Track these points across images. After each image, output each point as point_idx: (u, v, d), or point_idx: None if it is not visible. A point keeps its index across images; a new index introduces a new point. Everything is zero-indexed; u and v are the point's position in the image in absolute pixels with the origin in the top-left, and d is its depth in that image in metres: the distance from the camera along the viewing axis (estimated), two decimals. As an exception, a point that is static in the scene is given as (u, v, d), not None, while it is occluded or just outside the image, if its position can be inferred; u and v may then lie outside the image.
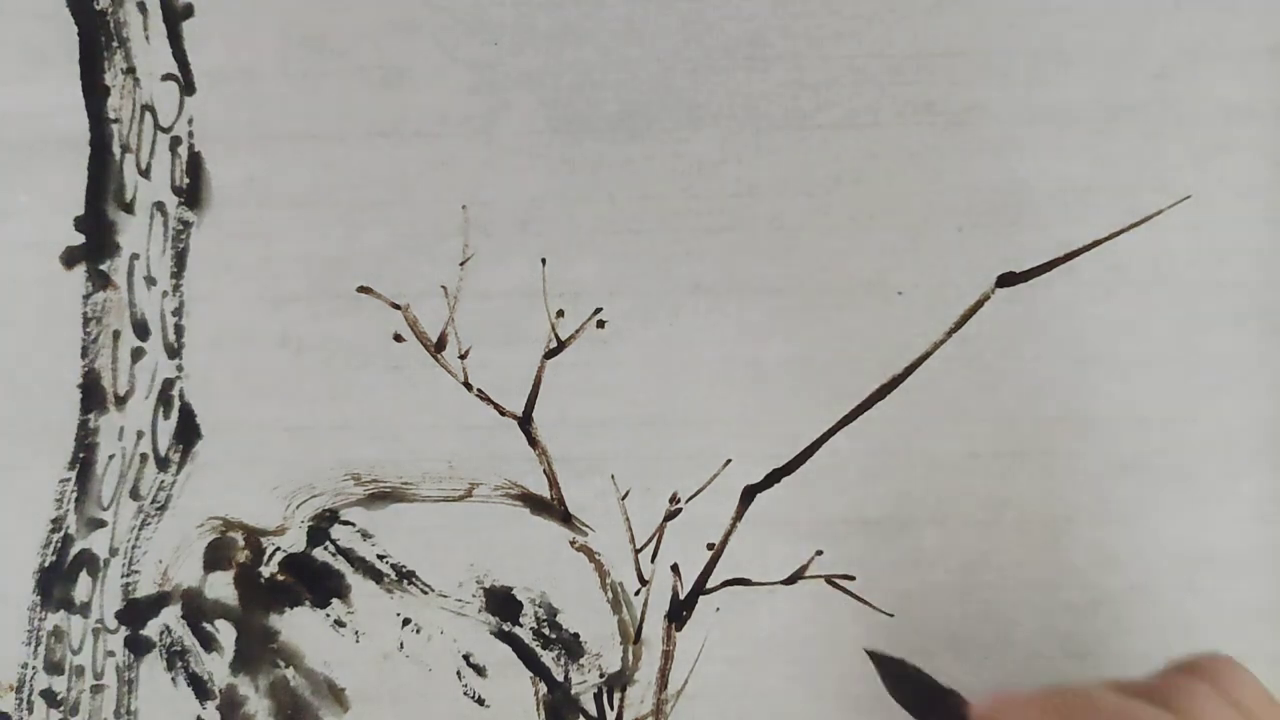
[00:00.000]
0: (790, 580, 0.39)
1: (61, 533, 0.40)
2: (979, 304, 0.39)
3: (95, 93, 0.41)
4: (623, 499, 0.40)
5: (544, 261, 0.40)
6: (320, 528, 0.40)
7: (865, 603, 0.39)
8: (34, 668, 0.40)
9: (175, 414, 0.41)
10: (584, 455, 0.40)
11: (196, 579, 0.40)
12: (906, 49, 0.40)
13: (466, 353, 0.40)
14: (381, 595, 0.40)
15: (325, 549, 0.40)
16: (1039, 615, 0.39)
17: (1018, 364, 0.39)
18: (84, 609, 0.40)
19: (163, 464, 0.41)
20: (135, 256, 0.41)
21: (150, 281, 0.41)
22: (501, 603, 0.40)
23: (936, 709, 0.35)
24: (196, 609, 0.40)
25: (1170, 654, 0.39)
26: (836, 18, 0.40)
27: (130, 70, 0.41)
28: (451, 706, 0.40)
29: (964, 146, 0.39)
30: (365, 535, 0.40)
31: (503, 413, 0.40)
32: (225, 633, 0.40)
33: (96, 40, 0.41)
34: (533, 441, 0.40)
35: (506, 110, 0.40)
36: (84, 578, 0.40)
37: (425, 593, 0.40)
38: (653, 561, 0.40)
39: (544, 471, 0.40)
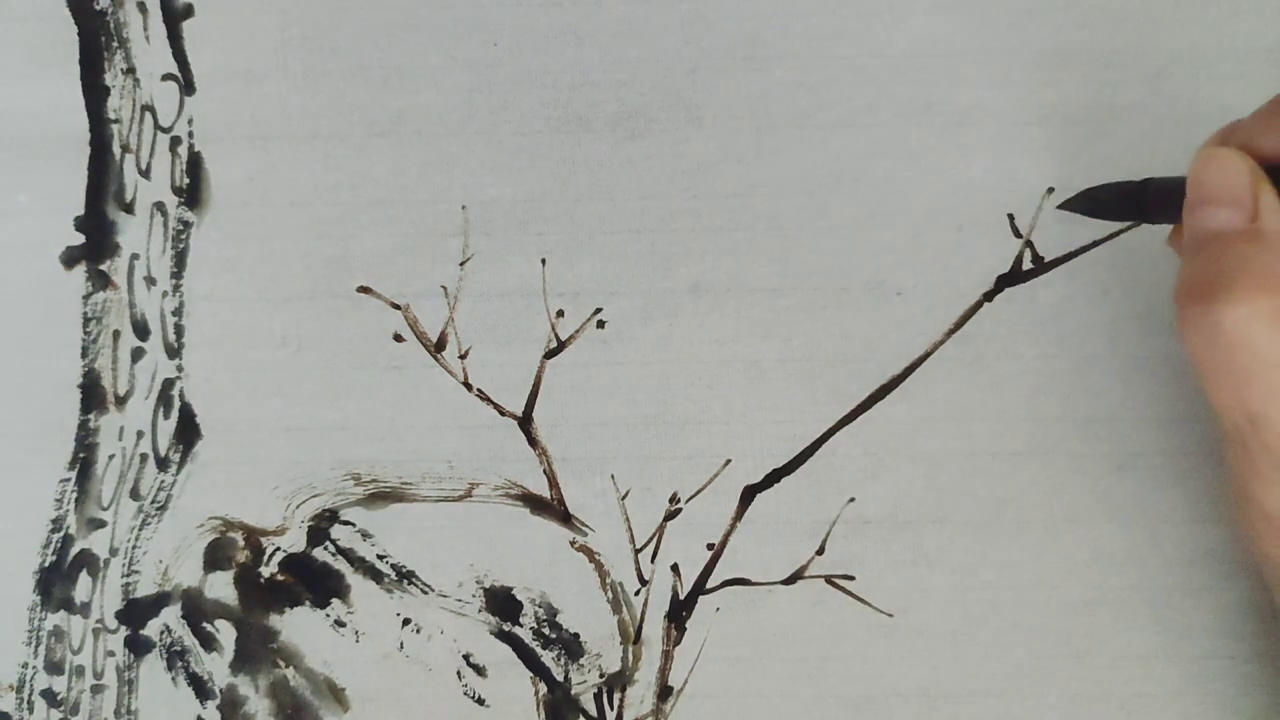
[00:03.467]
0: (790, 580, 0.39)
1: (61, 533, 0.40)
2: (979, 304, 0.39)
3: (95, 93, 0.41)
4: (623, 499, 0.40)
5: (544, 261, 0.40)
6: (320, 528, 0.40)
7: (865, 603, 0.39)
8: (34, 668, 0.40)
9: (175, 414, 0.41)
10: (584, 455, 0.40)
11: (196, 579, 0.41)
12: (906, 49, 0.40)
13: (466, 353, 0.40)
14: (381, 595, 0.40)
15: (325, 549, 0.40)
16: (1039, 615, 0.39)
17: (1018, 364, 0.39)
18: (84, 609, 0.40)
19: (163, 464, 0.41)
20: (135, 256, 0.41)
21: (150, 281, 0.41)
22: (501, 603, 0.40)
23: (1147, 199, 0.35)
24: (196, 609, 0.40)
25: (1170, 654, 0.39)
26: (836, 18, 0.40)
27: (130, 70, 0.41)
28: (451, 706, 0.40)
29: (964, 146, 0.39)
30: (365, 535, 0.40)
31: (503, 413, 0.40)
32: (225, 633, 0.40)
33: (96, 40, 0.41)
34: (533, 441, 0.40)
35: (506, 110, 0.40)
36: (84, 578, 0.40)
37: (425, 593, 0.40)
38: (653, 561, 0.40)
39: (544, 471, 0.40)
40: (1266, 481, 0.30)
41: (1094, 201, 0.36)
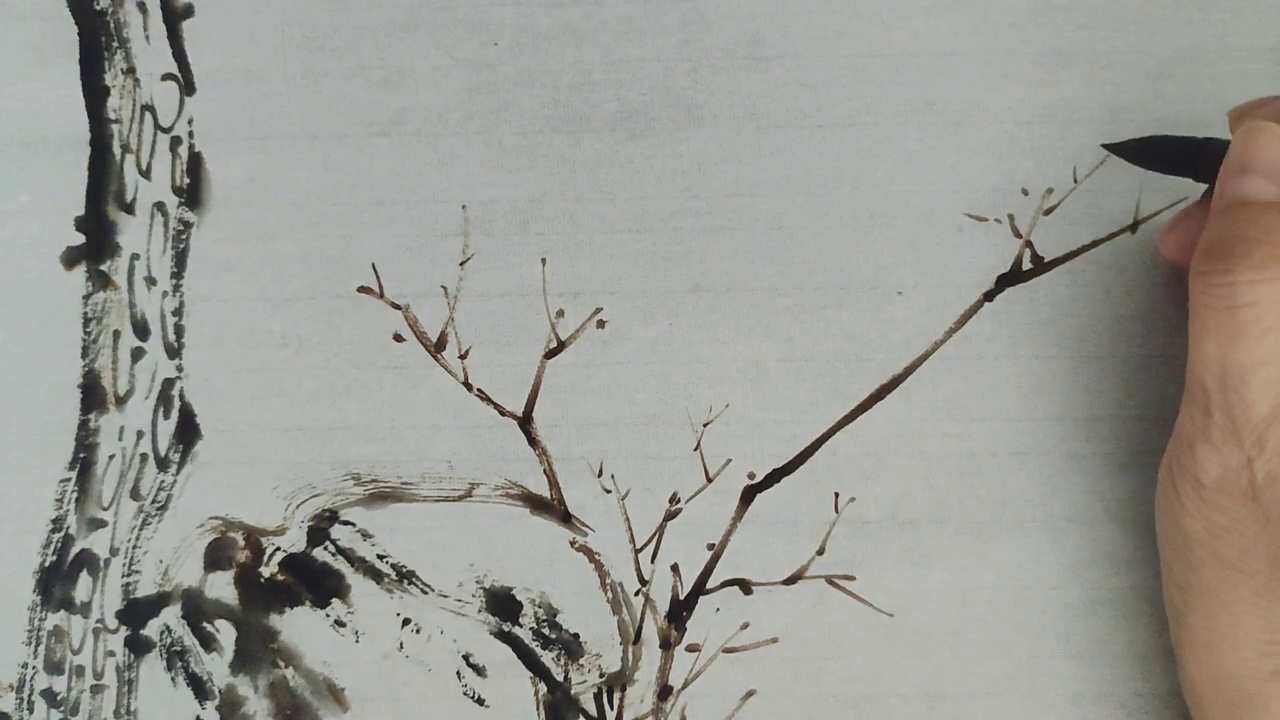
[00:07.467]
0: (790, 580, 0.39)
1: (61, 533, 0.40)
2: (979, 304, 0.39)
3: (95, 93, 0.41)
4: (623, 499, 0.40)
5: (544, 261, 0.40)
6: (320, 528, 0.40)
7: (865, 603, 0.39)
8: (34, 668, 0.40)
9: (175, 414, 0.41)
10: (584, 455, 0.40)
11: (196, 579, 0.41)
12: (906, 49, 0.40)
13: (466, 353, 0.40)
14: (381, 595, 0.40)
15: (325, 549, 0.40)
16: (1039, 615, 0.39)
17: (1018, 364, 0.39)
18: (84, 609, 0.40)
19: (163, 464, 0.41)
20: (135, 256, 0.41)
21: (150, 281, 0.41)
22: (501, 603, 0.40)
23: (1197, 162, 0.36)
24: (196, 609, 0.40)
25: (1170, 654, 0.39)
26: (836, 18, 0.40)
27: (130, 70, 0.41)
28: (451, 706, 0.40)
29: (964, 146, 0.39)
30: (365, 535, 0.40)
31: (503, 413, 0.40)
32: (225, 633, 0.40)
33: (96, 40, 0.41)
34: (533, 441, 0.40)
35: (506, 110, 0.40)
36: (84, 578, 0.40)
37: (425, 593, 0.40)
38: (653, 561, 0.40)
39: (544, 471, 0.40)
40: (1211, 449, 0.32)
41: (1146, 151, 0.37)
